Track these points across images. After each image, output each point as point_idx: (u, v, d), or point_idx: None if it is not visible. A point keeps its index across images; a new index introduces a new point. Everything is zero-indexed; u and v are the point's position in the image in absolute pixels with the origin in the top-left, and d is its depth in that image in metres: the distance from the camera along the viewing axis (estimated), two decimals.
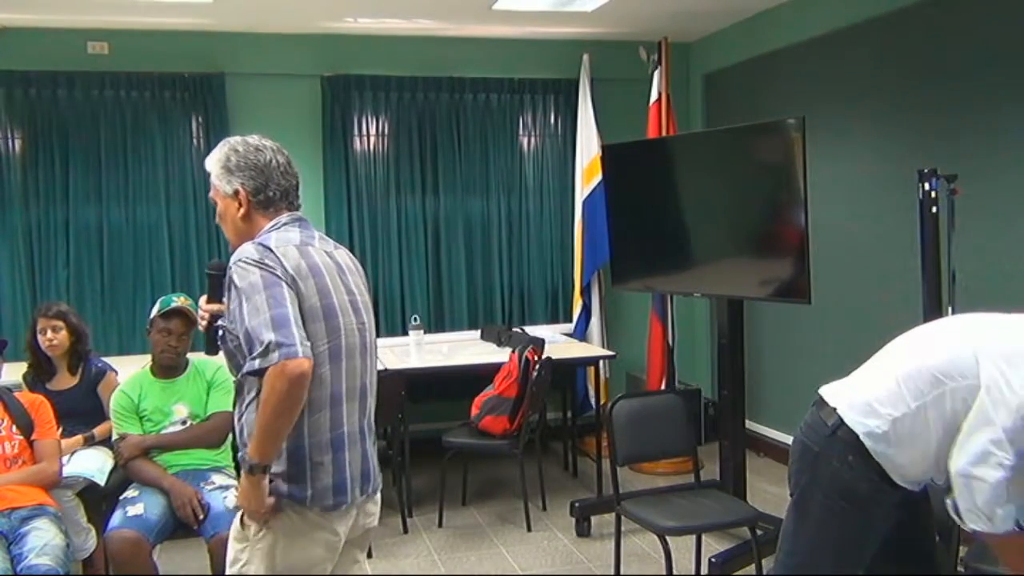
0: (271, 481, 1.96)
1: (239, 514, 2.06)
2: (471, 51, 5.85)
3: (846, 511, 2.17)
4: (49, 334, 3.69)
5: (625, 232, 4.83)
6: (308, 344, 1.90)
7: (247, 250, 1.98)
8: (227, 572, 2.06)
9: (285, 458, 1.97)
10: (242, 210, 2.09)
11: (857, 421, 2.13)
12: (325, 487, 1.99)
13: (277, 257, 1.96)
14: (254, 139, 2.13)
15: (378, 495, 2.21)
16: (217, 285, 2.18)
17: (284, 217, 2.10)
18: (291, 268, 1.96)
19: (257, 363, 1.87)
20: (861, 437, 2.11)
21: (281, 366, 1.84)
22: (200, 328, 2.21)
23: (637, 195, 4.70)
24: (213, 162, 2.12)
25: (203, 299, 2.21)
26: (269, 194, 2.09)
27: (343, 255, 2.19)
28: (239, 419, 2.03)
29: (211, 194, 2.16)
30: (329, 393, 2.00)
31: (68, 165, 5.25)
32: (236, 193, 2.08)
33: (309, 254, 2.04)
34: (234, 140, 2.13)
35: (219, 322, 2.10)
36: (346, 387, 2.04)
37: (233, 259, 1.99)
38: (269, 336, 1.86)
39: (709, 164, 4.40)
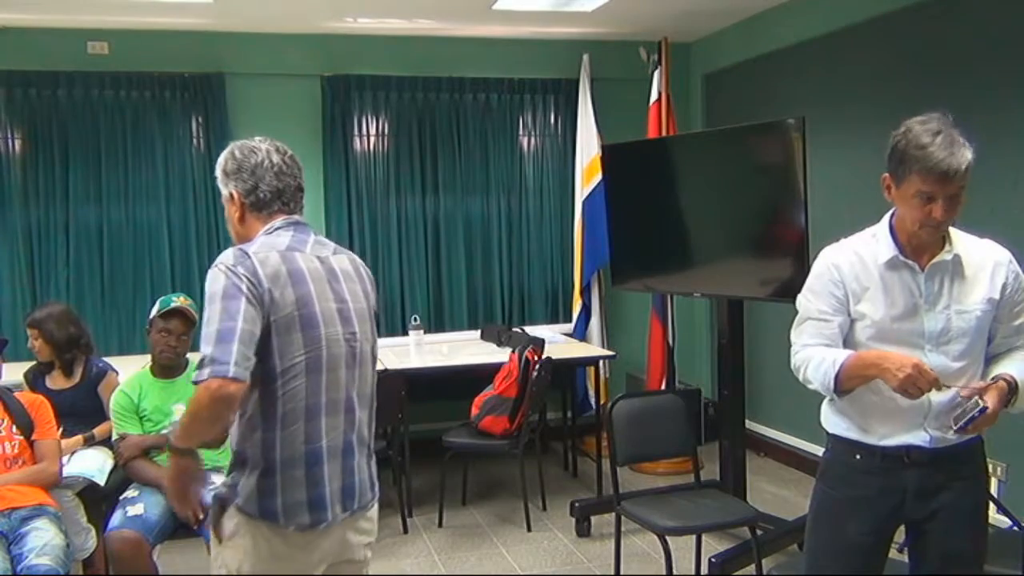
0: (238, 499, 1.91)
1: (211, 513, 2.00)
2: (471, 51, 5.85)
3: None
4: (31, 340, 3.76)
5: (625, 232, 4.83)
6: (248, 364, 1.80)
7: (225, 255, 1.92)
8: (211, 569, 2.04)
9: (258, 471, 1.91)
10: (237, 213, 2.06)
11: None
12: (298, 502, 1.92)
13: (253, 263, 1.88)
14: (254, 141, 2.08)
15: (373, 510, 2.12)
16: None
17: (279, 221, 2.04)
18: (267, 275, 1.88)
19: (194, 375, 1.81)
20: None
21: (207, 384, 1.77)
22: None
23: (637, 195, 4.70)
24: (218, 167, 2.11)
25: None
26: (260, 195, 2.03)
27: (343, 260, 2.10)
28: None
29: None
30: (304, 406, 1.93)
31: (68, 165, 5.25)
32: (231, 196, 2.07)
33: (293, 260, 1.96)
34: (237, 143, 2.10)
35: None
36: (326, 400, 1.96)
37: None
38: (208, 349, 1.79)
39: (709, 164, 4.40)
